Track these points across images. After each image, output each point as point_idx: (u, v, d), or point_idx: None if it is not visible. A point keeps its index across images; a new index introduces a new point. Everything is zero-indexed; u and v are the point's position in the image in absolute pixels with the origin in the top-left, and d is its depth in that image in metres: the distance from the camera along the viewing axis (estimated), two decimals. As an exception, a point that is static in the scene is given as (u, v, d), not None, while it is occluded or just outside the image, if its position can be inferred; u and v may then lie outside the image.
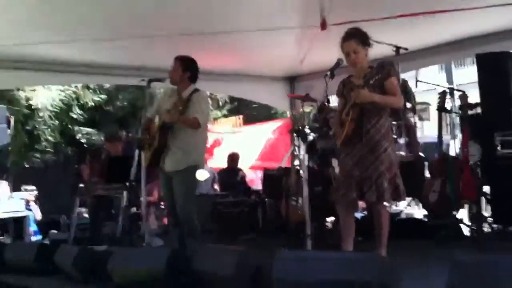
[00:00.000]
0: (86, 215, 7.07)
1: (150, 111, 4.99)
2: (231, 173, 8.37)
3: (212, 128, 12.02)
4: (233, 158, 8.61)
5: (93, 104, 12.07)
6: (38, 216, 8.63)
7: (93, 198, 6.43)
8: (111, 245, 4.92)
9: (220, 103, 16.36)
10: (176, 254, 3.70)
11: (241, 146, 10.26)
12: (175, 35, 5.60)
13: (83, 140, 12.22)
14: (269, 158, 10.00)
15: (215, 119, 14.99)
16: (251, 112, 17.39)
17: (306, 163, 3.88)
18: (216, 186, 8.69)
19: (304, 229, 4.29)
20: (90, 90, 12.05)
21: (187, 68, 4.76)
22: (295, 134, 4.88)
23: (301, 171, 3.87)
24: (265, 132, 10.90)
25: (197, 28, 5.63)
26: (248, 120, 13.98)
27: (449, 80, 13.45)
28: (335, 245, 4.06)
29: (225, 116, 15.74)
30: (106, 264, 3.89)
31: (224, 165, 8.89)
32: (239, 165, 8.80)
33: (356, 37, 3.79)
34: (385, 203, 3.77)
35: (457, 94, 5.02)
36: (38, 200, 9.33)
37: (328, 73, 3.88)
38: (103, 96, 12.27)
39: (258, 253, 3.43)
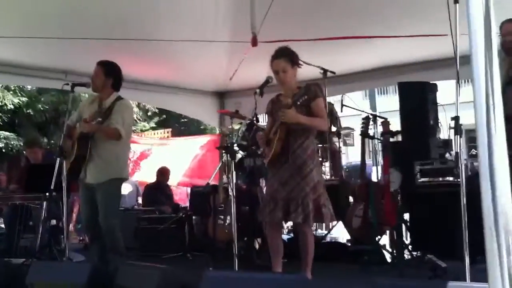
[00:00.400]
0: (2, 225, 6.72)
1: (72, 118, 4.77)
2: (159, 188, 8.16)
3: (139, 140, 11.81)
4: (162, 173, 8.39)
5: (12, 106, 11.52)
6: None
7: (10, 208, 6.14)
8: (29, 258, 4.65)
9: (149, 114, 16.13)
10: (98, 270, 3.59)
11: (169, 160, 10.09)
12: (104, 39, 5.46)
13: (0, 145, 11.62)
14: (197, 174, 9.90)
15: (143, 130, 14.76)
16: (180, 126, 17.27)
17: (233, 181, 3.84)
18: (140, 201, 8.48)
19: (232, 249, 4.28)
20: (10, 92, 11.50)
21: (109, 74, 4.56)
22: (223, 151, 4.88)
23: (229, 189, 3.83)
24: (193, 147, 10.79)
25: (129, 35, 5.52)
26: (176, 134, 13.86)
27: (373, 106, 14.01)
28: (263, 266, 4.06)
29: (153, 128, 15.53)
30: (24, 277, 3.73)
31: (150, 179, 8.69)
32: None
33: (286, 56, 3.84)
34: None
35: (380, 120, 5.18)
36: None
37: (257, 90, 3.90)
38: (24, 99, 11.75)
39: (183, 272, 3.38)
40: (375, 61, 6.74)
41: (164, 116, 16.29)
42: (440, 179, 4.72)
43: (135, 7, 4.97)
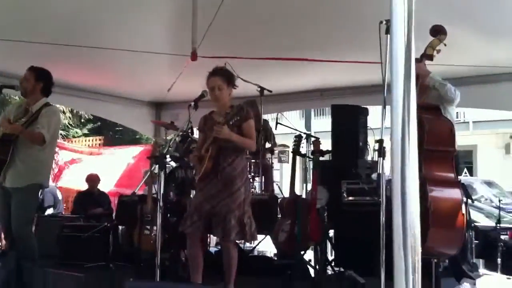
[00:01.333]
0: None
1: None
2: (89, 195, 7.94)
3: (69, 145, 11.49)
4: (91, 179, 8.18)
5: None
6: None
7: None
8: None
9: (82, 121, 15.73)
10: (11, 277, 3.46)
11: (100, 169, 9.85)
12: (40, 43, 5.31)
13: None
14: (127, 184, 9.72)
15: (75, 137, 14.36)
16: (115, 134, 16.94)
17: (161, 191, 3.85)
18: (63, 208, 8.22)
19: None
20: None
21: (40, 79, 4.53)
22: (153, 161, 4.85)
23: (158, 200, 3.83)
24: (126, 157, 10.62)
25: (69, 41, 5.41)
26: (110, 142, 13.57)
27: (308, 126, 14.36)
28: (187, 278, 4.04)
29: (85, 135, 15.15)
30: None
31: (78, 186, 8.46)
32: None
33: (222, 75, 3.95)
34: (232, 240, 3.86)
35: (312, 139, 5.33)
36: None
37: (192, 103, 4.01)
38: None
39: (103, 282, 3.32)
40: (311, 83, 6.96)
41: (99, 123, 15.92)
42: (367, 198, 4.89)
43: (78, 12, 4.88)
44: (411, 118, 1.38)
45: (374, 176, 5.07)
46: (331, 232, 5.10)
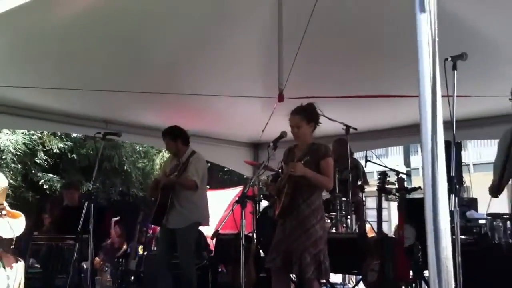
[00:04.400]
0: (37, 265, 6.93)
1: (158, 174, 5.41)
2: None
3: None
4: None
5: (58, 151, 12.00)
6: None
7: (46, 247, 6.30)
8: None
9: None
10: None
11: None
12: (144, 93, 5.78)
13: (45, 186, 12.04)
14: (229, 225, 9.98)
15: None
16: (224, 175, 17.49)
17: (243, 229, 4.00)
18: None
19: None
20: (56, 137, 12.02)
21: (175, 138, 5.30)
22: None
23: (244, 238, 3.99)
24: (228, 198, 10.94)
25: (169, 89, 5.84)
26: (218, 183, 14.02)
27: (407, 162, 13.97)
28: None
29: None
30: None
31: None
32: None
33: (302, 114, 4.08)
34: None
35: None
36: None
37: (271, 144, 4.14)
38: (69, 143, 12.23)
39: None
40: (400, 120, 6.85)
41: (208, 164, 16.55)
42: (463, 237, 4.70)
43: (173, 64, 5.29)
44: (439, 155, 1.42)
45: (468, 213, 4.88)
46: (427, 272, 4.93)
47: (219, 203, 10.91)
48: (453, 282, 1.37)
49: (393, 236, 4.70)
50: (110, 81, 5.63)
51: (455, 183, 2.98)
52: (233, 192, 11.11)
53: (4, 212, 2.19)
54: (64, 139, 12.12)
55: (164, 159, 12.24)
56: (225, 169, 16.56)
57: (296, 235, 3.88)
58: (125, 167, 12.73)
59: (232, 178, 17.01)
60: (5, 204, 2.30)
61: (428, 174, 1.42)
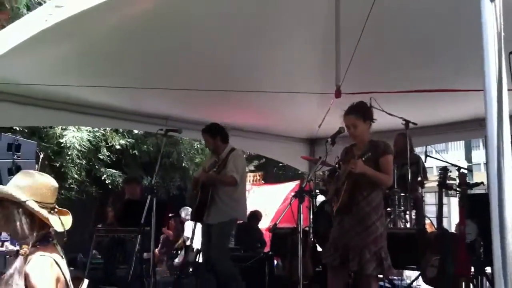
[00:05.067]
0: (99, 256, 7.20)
1: (198, 172, 5.61)
2: (248, 230, 8.48)
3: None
4: (253, 216, 8.78)
5: (120, 147, 12.39)
6: None
7: (110, 239, 6.56)
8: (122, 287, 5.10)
9: (246, 156, 16.58)
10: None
11: (260, 204, 10.42)
12: (202, 91, 5.90)
13: (108, 181, 12.47)
14: (285, 219, 10.04)
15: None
16: (278, 170, 17.59)
17: (301, 223, 4.02)
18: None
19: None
20: (119, 133, 12.41)
21: (215, 135, 5.36)
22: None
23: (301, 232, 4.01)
24: (284, 192, 11.00)
25: (227, 86, 5.94)
26: (271, 178, 14.12)
27: (468, 157, 13.56)
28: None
29: (251, 171, 15.96)
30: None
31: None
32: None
33: (356, 112, 4.07)
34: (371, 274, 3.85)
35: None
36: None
37: (329, 139, 4.13)
38: (130, 140, 12.61)
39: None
40: (461, 114, 6.69)
41: (263, 159, 16.68)
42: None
43: (231, 61, 5.38)
44: (505, 148, 1.41)
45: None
46: (488, 269, 4.82)
47: (275, 197, 11.02)
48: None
49: (454, 231, 4.60)
50: (170, 80, 5.78)
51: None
52: (289, 186, 11.17)
53: (55, 210, 2.44)
54: (126, 136, 12.51)
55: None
56: (280, 164, 16.62)
57: (356, 232, 3.88)
58: (183, 163, 13.01)
59: (287, 173, 17.05)
60: (55, 204, 2.56)
61: (493, 170, 1.42)
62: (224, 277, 5.01)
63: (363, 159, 3.84)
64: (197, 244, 6.57)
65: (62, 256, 2.49)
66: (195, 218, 5.46)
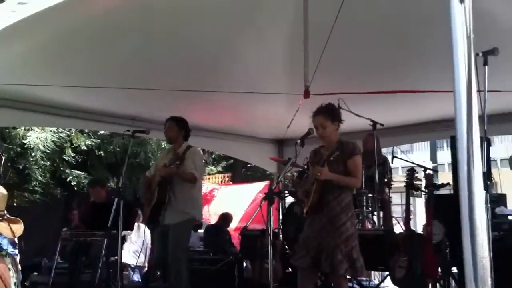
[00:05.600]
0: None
1: (150, 171, 5.31)
2: (218, 231, 8.44)
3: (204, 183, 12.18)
4: (224, 218, 8.76)
5: (85, 148, 12.19)
6: None
7: (75, 243, 6.39)
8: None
9: (213, 158, 16.50)
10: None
11: (228, 205, 10.39)
12: (169, 90, 5.82)
13: (73, 183, 12.24)
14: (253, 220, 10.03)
15: (210, 174, 15.16)
16: (247, 171, 17.58)
17: (271, 224, 4.00)
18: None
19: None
20: (84, 134, 12.21)
21: (181, 127, 5.20)
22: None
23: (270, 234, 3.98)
24: (252, 193, 11.00)
25: (192, 86, 5.87)
26: (239, 179, 14.09)
27: (433, 158, 13.80)
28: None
29: (219, 172, 15.90)
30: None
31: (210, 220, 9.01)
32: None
33: (325, 113, 4.06)
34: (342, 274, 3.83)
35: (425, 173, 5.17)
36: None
37: (298, 141, 4.11)
38: (96, 141, 12.41)
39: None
40: (427, 115, 6.78)
41: (231, 160, 16.65)
42: (494, 233, 4.63)
43: (197, 60, 5.32)
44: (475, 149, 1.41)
45: (498, 210, 4.80)
46: (454, 269, 4.89)
47: (244, 197, 11.00)
48: (489, 279, 1.36)
49: (421, 232, 4.65)
50: (136, 79, 5.69)
51: (486, 179, 2.92)
52: (258, 187, 11.15)
53: (5, 217, 2.39)
54: (92, 136, 12.31)
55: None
56: (248, 165, 16.63)
57: (327, 233, 3.85)
58: (151, 163, 12.87)
59: (255, 174, 17.05)
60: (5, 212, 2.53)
61: (463, 171, 1.41)
62: (176, 280, 4.78)
63: (332, 158, 3.84)
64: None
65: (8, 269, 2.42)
66: (151, 221, 5.16)
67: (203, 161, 5.70)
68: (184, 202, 4.92)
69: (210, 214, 10.32)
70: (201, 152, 5.52)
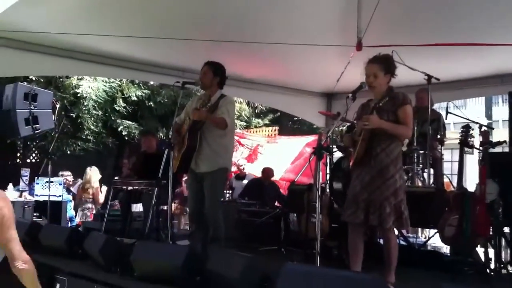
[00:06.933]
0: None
1: (180, 117, 5.13)
2: (262, 185, 8.53)
3: (249, 135, 12.24)
4: (265, 172, 8.87)
5: (136, 98, 12.38)
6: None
7: (127, 192, 6.52)
8: (140, 239, 5.08)
9: (257, 112, 16.49)
10: (194, 254, 3.88)
11: (275, 157, 10.43)
12: (219, 42, 5.78)
13: (124, 133, 12.51)
14: (298, 171, 10.09)
15: (257, 127, 15.20)
16: (293, 125, 17.52)
17: (319, 180, 3.95)
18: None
19: (324, 246, 4.36)
20: (135, 85, 12.38)
21: (217, 73, 4.91)
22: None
23: (318, 189, 3.94)
24: (299, 145, 10.99)
25: (242, 38, 5.81)
26: (286, 132, 14.07)
27: (488, 114, 13.29)
28: (348, 266, 4.09)
29: (266, 125, 15.92)
30: (129, 255, 4.12)
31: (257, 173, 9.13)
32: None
33: (380, 63, 3.89)
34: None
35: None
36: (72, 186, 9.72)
37: (350, 95, 3.93)
38: (146, 91, 12.57)
39: (268, 263, 3.57)
40: (483, 69, 6.50)
41: (278, 113, 16.61)
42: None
43: (249, 11, 5.24)
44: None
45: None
46: (506, 229, 4.78)
47: (289, 150, 11.02)
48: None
49: (474, 191, 4.52)
50: (187, 31, 5.67)
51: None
52: (304, 141, 11.11)
53: None
54: (142, 87, 12.47)
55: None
56: (295, 118, 16.57)
57: (376, 185, 3.78)
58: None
59: (302, 128, 17.00)
60: None
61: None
62: (213, 229, 4.65)
63: (381, 104, 3.72)
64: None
65: None
66: (180, 169, 4.89)
67: (235, 110, 5.48)
68: (216, 150, 4.74)
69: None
70: (234, 102, 5.26)
